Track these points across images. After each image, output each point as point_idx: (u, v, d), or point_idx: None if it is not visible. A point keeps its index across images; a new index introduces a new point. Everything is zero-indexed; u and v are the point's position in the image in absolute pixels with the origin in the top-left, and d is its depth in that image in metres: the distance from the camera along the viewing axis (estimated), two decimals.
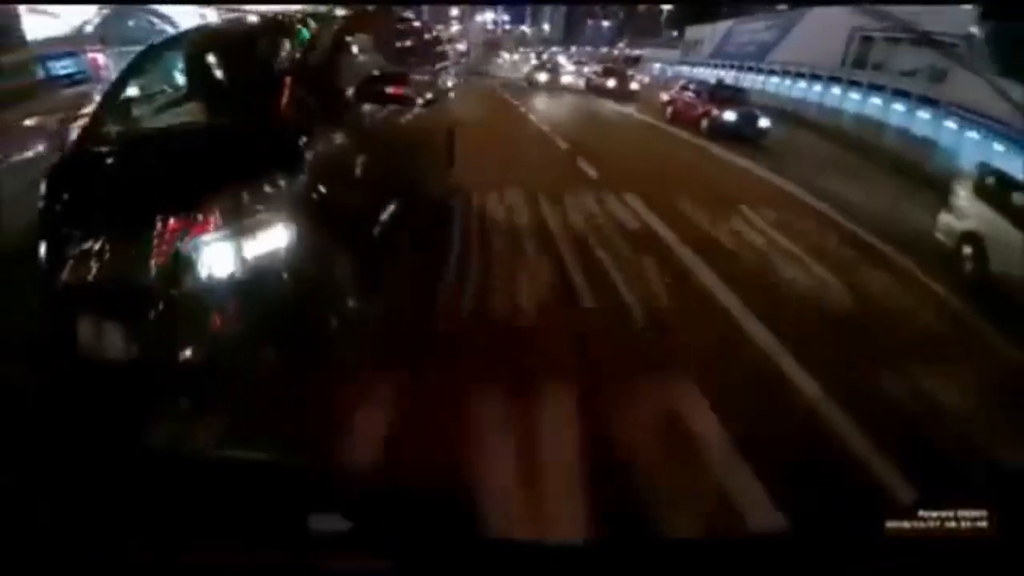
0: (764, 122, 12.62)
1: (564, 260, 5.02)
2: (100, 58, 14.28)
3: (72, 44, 13.51)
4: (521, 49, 41.05)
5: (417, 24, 6.47)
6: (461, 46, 40.27)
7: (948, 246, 6.07)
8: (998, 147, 9.30)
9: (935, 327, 4.58)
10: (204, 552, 0.94)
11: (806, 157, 11.30)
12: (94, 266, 2.46)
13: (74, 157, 3.15)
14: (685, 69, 24.81)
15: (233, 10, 18.80)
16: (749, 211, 7.07)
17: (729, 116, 12.53)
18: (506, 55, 38.82)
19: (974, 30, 10.48)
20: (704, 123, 12.84)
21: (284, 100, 2.89)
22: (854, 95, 14.37)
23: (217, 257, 2.44)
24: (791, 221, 6.89)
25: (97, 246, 2.47)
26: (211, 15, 17.44)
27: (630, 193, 7.12)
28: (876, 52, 14.19)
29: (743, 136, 12.07)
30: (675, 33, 32.20)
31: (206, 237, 2.43)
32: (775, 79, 18.45)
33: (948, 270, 5.67)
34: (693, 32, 27.20)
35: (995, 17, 10.07)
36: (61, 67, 13.54)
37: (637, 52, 32.83)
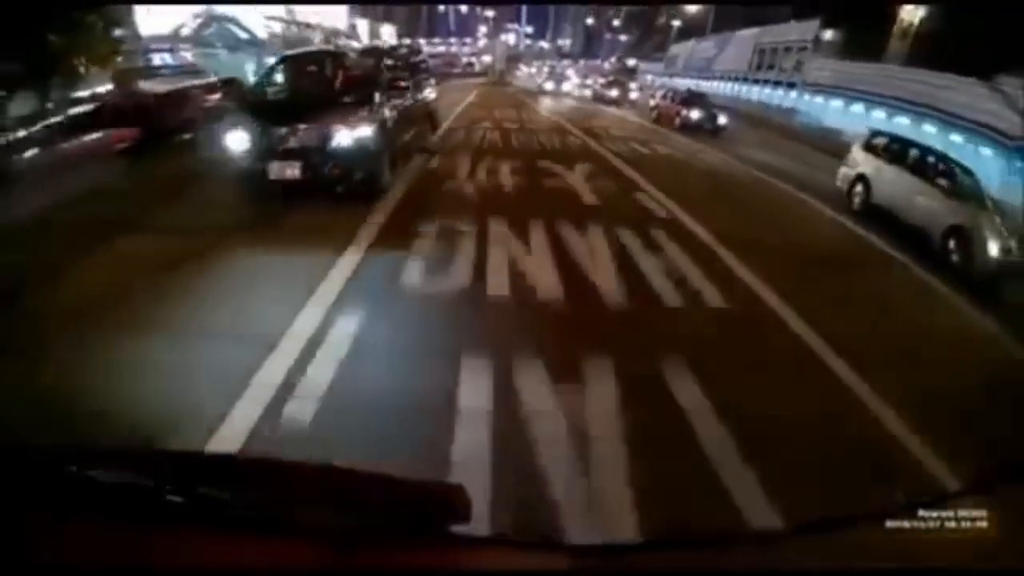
0: (723, 119, 15.85)
1: (534, 136, 11.73)
2: (188, 56, 17.80)
3: (170, 43, 16.99)
4: (536, 63, 44.83)
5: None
6: (487, 58, 44.82)
7: (844, 189, 8.37)
8: (834, 105, 16.13)
9: (840, 244, 6.51)
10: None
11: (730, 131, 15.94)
12: (276, 140, 5.62)
13: (251, 96, 6.56)
14: (668, 80, 28.87)
15: (288, 21, 22.35)
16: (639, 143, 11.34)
17: (695, 115, 15.92)
18: (524, 68, 43.03)
19: (816, 35, 18.36)
20: (677, 121, 16.07)
21: (377, 84, 6.56)
22: (757, 88, 21.72)
23: (342, 136, 5.61)
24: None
25: (276, 133, 5.63)
26: (276, 27, 21.03)
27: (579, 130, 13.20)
28: (768, 58, 21.28)
29: (705, 129, 15.31)
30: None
31: (342, 129, 5.64)
32: (715, 83, 25.04)
33: (845, 204, 8.06)
34: (673, 49, 32.79)
35: (827, 27, 18.15)
36: (159, 59, 17.15)
37: (632, 63, 36.21)
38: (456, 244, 4.83)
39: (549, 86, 29.98)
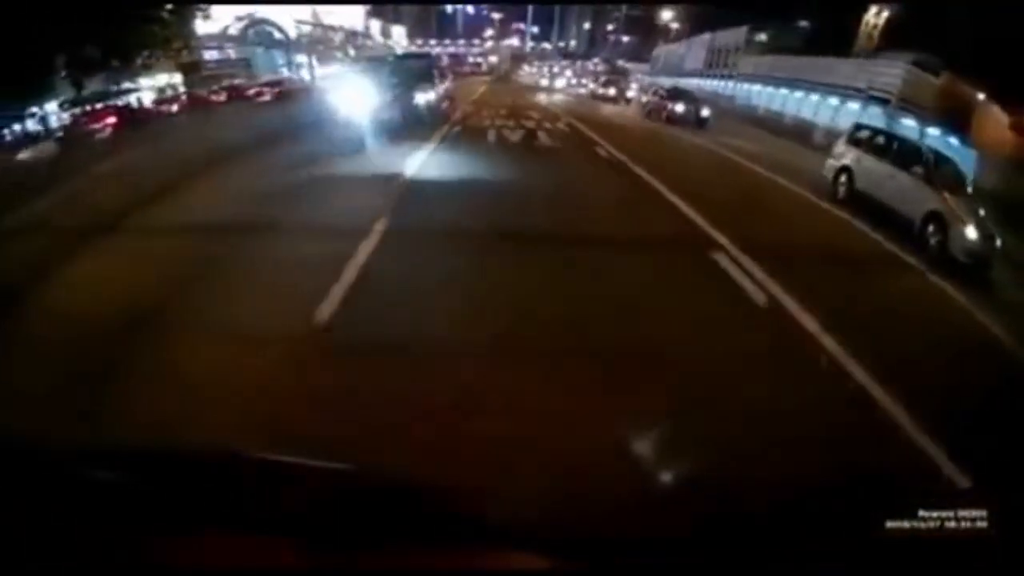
0: (705, 112, 17.51)
1: (514, 108, 19.04)
2: (232, 53, 21.01)
3: (217, 41, 20.20)
4: (537, 63, 48.15)
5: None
6: (493, 59, 48.65)
7: (829, 178, 8.90)
8: (755, 89, 21.28)
9: (824, 228, 7.38)
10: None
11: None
12: (387, 98, 12.21)
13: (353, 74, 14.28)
14: (655, 79, 31.80)
15: (314, 24, 25.76)
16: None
17: (680, 108, 17.64)
18: (527, 67, 46.64)
19: (746, 38, 23.45)
20: (664, 114, 17.85)
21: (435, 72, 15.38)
22: (711, 80, 26.01)
23: (412, 98, 13.42)
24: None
25: (389, 94, 12.49)
26: (305, 28, 24.40)
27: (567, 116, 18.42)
28: (717, 57, 26.12)
29: (690, 121, 16.99)
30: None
31: (422, 92, 13.44)
32: (686, 79, 28.21)
33: (830, 193, 8.71)
34: (656, 51, 36.51)
35: (753, 31, 23.34)
36: (208, 56, 20.43)
37: (621, 63, 38.86)
38: (480, 135, 12.51)
39: (545, 83, 35.25)
